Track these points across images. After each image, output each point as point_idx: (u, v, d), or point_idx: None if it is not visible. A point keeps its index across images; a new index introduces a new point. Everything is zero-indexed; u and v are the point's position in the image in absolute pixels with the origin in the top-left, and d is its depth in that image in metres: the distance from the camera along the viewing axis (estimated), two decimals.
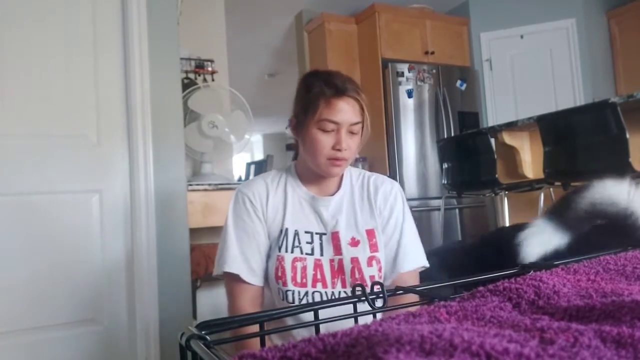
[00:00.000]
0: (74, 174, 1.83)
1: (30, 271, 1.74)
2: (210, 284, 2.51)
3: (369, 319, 0.60)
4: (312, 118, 1.10)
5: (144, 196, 1.90)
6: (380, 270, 1.16)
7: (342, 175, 1.23)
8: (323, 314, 0.65)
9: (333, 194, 1.21)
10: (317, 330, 0.64)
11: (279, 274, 1.13)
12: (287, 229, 1.16)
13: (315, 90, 1.11)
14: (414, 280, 1.20)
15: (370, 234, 1.17)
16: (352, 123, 1.11)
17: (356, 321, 0.65)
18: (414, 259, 1.20)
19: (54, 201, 1.80)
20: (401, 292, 0.72)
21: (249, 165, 5.72)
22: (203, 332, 0.48)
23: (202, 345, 0.45)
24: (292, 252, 1.14)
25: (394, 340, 0.32)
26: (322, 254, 1.15)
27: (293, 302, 1.12)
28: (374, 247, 1.16)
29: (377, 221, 1.19)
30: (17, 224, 1.74)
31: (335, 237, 1.16)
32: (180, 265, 1.96)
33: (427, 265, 1.22)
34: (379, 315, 0.66)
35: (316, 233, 1.17)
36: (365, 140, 1.19)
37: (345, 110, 1.10)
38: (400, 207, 1.22)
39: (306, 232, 1.16)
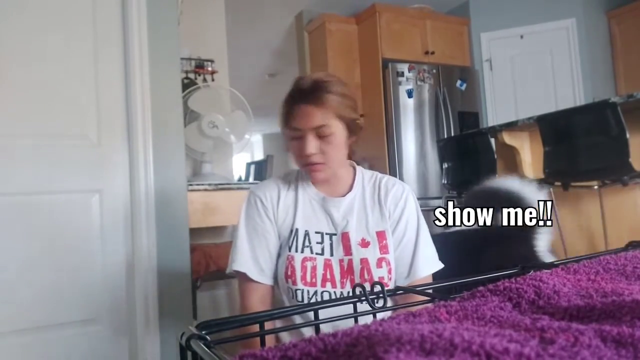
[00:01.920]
0: (74, 174, 1.83)
1: (29, 271, 1.74)
2: (210, 284, 2.51)
3: (369, 319, 0.60)
4: (284, 126, 1.15)
5: (144, 196, 1.90)
6: (390, 272, 1.16)
7: (354, 177, 1.24)
8: (326, 313, 0.65)
9: (344, 195, 1.21)
10: (318, 330, 0.64)
11: (289, 273, 1.15)
12: (297, 229, 1.17)
13: (285, 98, 1.15)
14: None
15: (381, 235, 1.18)
16: (314, 127, 1.10)
17: (356, 321, 0.65)
18: (432, 262, 1.20)
19: (54, 201, 1.80)
20: (401, 292, 0.72)
21: (249, 165, 5.71)
22: (203, 332, 0.48)
23: (202, 345, 0.45)
24: (302, 252, 1.16)
25: (394, 340, 0.32)
26: (332, 254, 1.16)
27: (302, 301, 1.13)
28: (384, 249, 1.17)
29: (388, 223, 1.19)
30: (17, 224, 1.74)
31: (345, 238, 1.17)
32: (180, 265, 1.96)
33: (442, 266, 1.21)
34: (379, 316, 0.66)
35: (326, 233, 1.18)
36: (353, 139, 1.18)
37: (307, 115, 1.10)
38: (412, 210, 1.22)
39: (316, 232, 1.18)
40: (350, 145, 1.22)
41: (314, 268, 1.15)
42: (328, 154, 1.13)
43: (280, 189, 1.22)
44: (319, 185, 1.22)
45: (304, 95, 1.11)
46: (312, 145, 1.10)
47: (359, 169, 1.27)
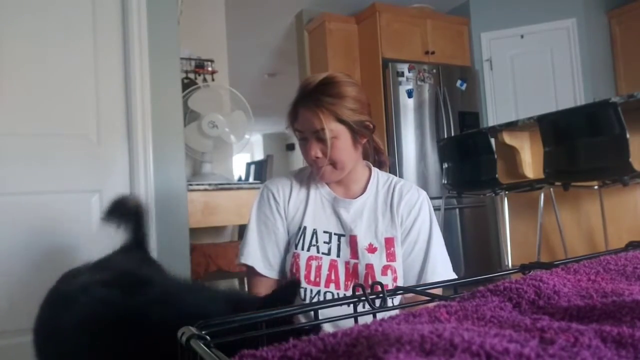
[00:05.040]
0: (74, 174, 1.83)
1: (30, 271, 1.74)
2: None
3: (369, 319, 0.60)
4: (292, 127, 1.16)
5: (144, 196, 1.90)
6: (395, 280, 1.14)
7: (369, 179, 1.22)
8: (326, 314, 0.65)
9: (357, 197, 1.20)
10: (318, 330, 0.64)
11: (294, 270, 1.15)
12: (305, 227, 1.17)
13: (293, 99, 1.15)
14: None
15: (389, 242, 1.16)
16: (313, 131, 1.10)
17: (356, 321, 0.65)
18: (443, 273, 1.16)
19: (54, 201, 1.80)
20: (401, 292, 0.72)
21: (249, 165, 5.70)
22: (203, 332, 0.48)
23: (202, 345, 0.45)
24: (308, 250, 1.16)
25: (394, 340, 0.32)
26: (338, 255, 1.16)
27: (305, 300, 1.13)
28: (390, 257, 1.15)
29: (398, 231, 1.16)
30: (17, 223, 1.74)
31: (353, 241, 1.16)
32: (180, 265, 1.96)
33: (455, 277, 1.16)
34: (379, 316, 0.66)
35: (335, 234, 1.17)
36: (364, 140, 1.17)
37: (307, 119, 1.10)
38: (426, 219, 1.18)
39: (325, 232, 1.17)
40: (364, 146, 1.19)
41: (318, 267, 1.14)
42: (332, 157, 1.11)
43: (293, 185, 1.22)
44: (331, 185, 1.21)
45: (304, 97, 1.11)
46: (314, 148, 1.11)
47: (374, 170, 1.24)
